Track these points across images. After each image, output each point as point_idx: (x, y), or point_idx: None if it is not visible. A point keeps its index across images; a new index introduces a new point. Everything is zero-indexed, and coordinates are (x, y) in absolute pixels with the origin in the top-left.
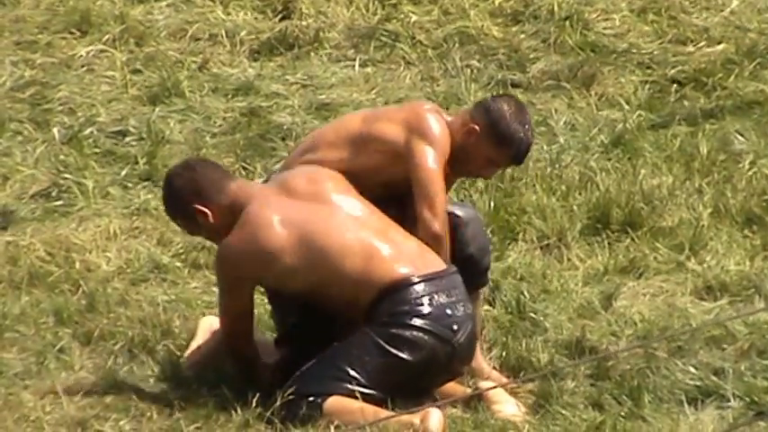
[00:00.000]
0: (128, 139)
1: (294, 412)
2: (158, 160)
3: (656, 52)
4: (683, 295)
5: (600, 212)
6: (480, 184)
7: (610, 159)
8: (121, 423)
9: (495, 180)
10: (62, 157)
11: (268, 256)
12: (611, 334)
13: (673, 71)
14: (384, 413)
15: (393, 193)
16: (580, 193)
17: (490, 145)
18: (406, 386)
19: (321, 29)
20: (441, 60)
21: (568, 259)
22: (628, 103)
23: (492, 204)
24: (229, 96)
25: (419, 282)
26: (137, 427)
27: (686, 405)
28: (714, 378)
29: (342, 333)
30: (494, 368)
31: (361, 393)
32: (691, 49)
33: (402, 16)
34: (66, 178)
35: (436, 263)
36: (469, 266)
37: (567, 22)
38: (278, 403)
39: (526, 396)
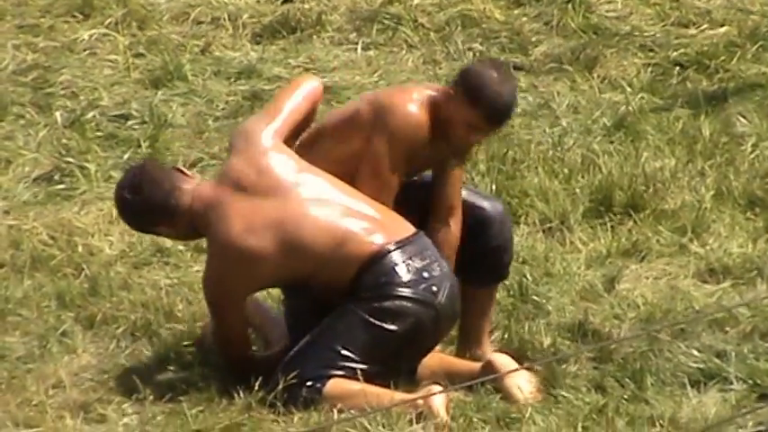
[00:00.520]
0: (130, 122)
1: (294, 397)
2: (161, 144)
3: (658, 35)
4: (686, 278)
5: (602, 195)
6: (482, 166)
7: (612, 142)
8: (124, 406)
9: (497, 163)
10: (64, 140)
11: (250, 272)
12: (613, 317)
13: (675, 54)
14: (386, 393)
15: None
16: (582, 176)
17: (465, 105)
18: (399, 356)
19: (323, 12)
20: (443, 43)
21: (571, 242)
22: (630, 86)
23: (494, 187)
24: (232, 80)
25: (394, 250)
26: (139, 411)
27: (689, 388)
28: (717, 361)
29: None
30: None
31: (360, 371)
32: (693, 31)
33: None
34: (68, 162)
35: (405, 227)
36: (492, 260)
37: (570, 5)
38: (279, 387)
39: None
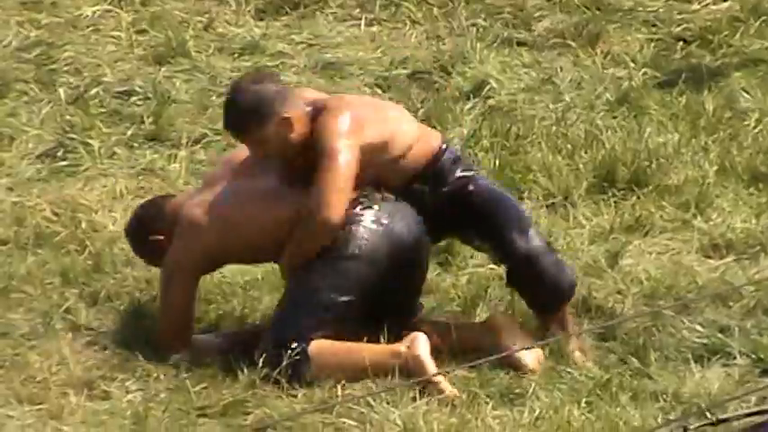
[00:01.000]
0: (134, 98)
1: (278, 362)
2: (164, 120)
3: (661, 10)
4: (689, 253)
5: (606, 171)
6: (485, 142)
7: (615, 117)
8: (128, 383)
9: (501, 138)
10: (68, 117)
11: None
12: (617, 292)
13: (678, 29)
14: (368, 347)
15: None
16: (586, 152)
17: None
18: (369, 283)
19: None
20: (446, 19)
21: (574, 218)
22: (633, 61)
23: (497, 163)
24: (235, 56)
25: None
26: (143, 387)
27: (692, 363)
28: (720, 336)
29: None
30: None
31: (337, 318)
32: (696, 6)
33: None
34: (72, 138)
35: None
36: (547, 291)
37: None
38: (261, 356)
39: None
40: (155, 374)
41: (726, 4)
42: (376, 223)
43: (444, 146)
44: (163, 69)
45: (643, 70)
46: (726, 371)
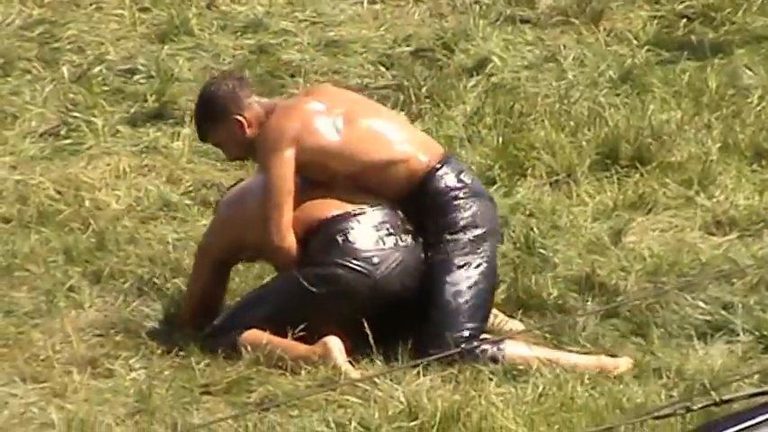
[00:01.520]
0: (137, 77)
1: (214, 344)
2: (167, 98)
3: None
4: (693, 230)
5: (609, 148)
6: (489, 119)
7: (618, 95)
8: (131, 361)
9: (504, 116)
10: (71, 95)
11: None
12: (620, 269)
13: (681, 6)
14: (289, 344)
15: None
16: (589, 129)
17: None
18: (335, 319)
19: None
20: None
21: (577, 195)
22: (636, 39)
23: (501, 140)
24: (238, 34)
25: (338, 221)
26: (146, 365)
27: (695, 340)
28: (723, 313)
29: None
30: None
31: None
32: None
33: None
34: (75, 116)
35: (368, 199)
36: None
37: None
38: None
39: (538, 337)
40: (158, 352)
41: None
42: (363, 275)
43: (439, 165)
44: (166, 47)
45: (646, 47)
46: (729, 347)
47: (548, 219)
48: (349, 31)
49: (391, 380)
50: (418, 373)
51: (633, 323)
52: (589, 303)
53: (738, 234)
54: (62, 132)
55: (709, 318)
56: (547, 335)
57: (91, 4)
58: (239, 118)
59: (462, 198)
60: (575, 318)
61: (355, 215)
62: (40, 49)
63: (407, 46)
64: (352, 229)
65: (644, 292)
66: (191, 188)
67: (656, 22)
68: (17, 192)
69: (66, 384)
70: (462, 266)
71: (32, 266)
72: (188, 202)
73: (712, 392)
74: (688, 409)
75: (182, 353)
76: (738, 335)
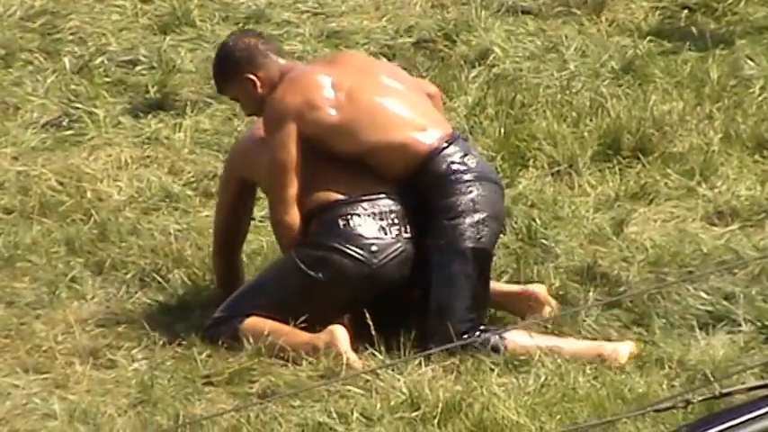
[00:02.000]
0: (138, 68)
1: (215, 334)
2: (169, 89)
3: None
4: (694, 221)
5: (611, 138)
6: (490, 110)
7: (620, 85)
8: (133, 352)
9: (506, 107)
10: (73, 86)
11: None
12: (622, 260)
13: None
14: (292, 332)
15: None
16: (591, 120)
17: None
18: (324, 304)
19: None
20: None
21: (579, 185)
22: (638, 29)
23: (502, 131)
24: (240, 25)
25: (340, 205)
26: (149, 356)
27: (697, 330)
28: (725, 303)
29: None
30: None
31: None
32: None
33: None
34: (77, 108)
35: (376, 185)
36: None
37: None
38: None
39: (540, 328)
40: (160, 343)
41: None
42: (360, 263)
43: (444, 146)
44: (167, 38)
45: (648, 38)
46: (731, 338)
47: (549, 209)
48: (350, 21)
49: (393, 370)
50: (420, 363)
51: (635, 314)
52: (591, 294)
53: (740, 224)
54: (64, 123)
55: (710, 308)
56: (549, 326)
57: None
58: (251, 76)
59: (464, 182)
60: (577, 308)
61: (360, 201)
62: (42, 40)
63: (409, 37)
64: (355, 214)
65: (646, 283)
66: (192, 179)
67: (657, 12)
68: (19, 183)
69: (68, 375)
70: (461, 253)
71: (34, 257)
72: (190, 192)
73: (715, 384)
74: (688, 402)
75: (183, 343)
76: (740, 325)
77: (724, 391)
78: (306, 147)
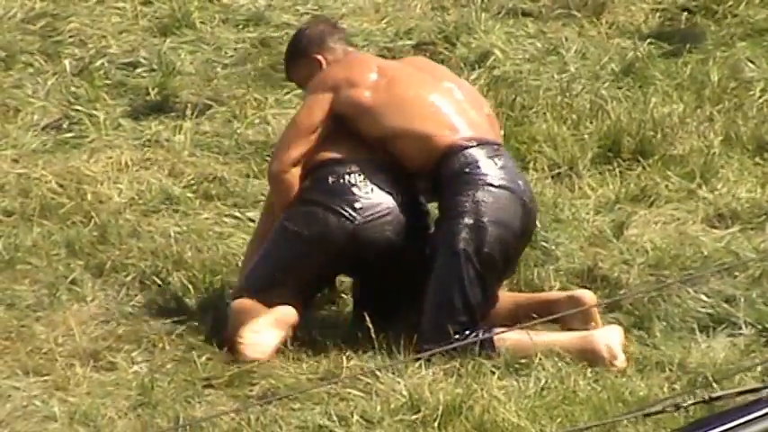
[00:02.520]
0: (139, 70)
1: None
2: (169, 91)
3: None
4: (695, 223)
5: (611, 141)
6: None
7: (621, 88)
8: (133, 354)
9: (506, 109)
10: (73, 88)
11: None
12: (622, 262)
13: None
14: (269, 311)
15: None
16: (591, 122)
17: None
18: (314, 270)
19: None
20: None
21: (579, 188)
22: (638, 32)
23: (503, 133)
24: (240, 27)
25: (335, 164)
26: (149, 359)
27: (698, 333)
28: (726, 306)
29: None
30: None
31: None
32: None
33: None
34: (77, 110)
35: (370, 152)
36: None
37: None
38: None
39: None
40: (160, 345)
41: None
42: (342, 218)
43: (471, 144)
44: (168, 41)
45: (648, 40)
46: (731, 341)
47: (550, 212)
48: (350, 24)
49: (393, 373)
50: (420, 366)
51: (635, 316)
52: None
53: (740, 227)
54: (64, 126)
55: (711, 311)
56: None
57: None
58: (319, 57)
59: (474, 183)
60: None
61: (356, 161)
62: (42, 42)
63: (409, 39)
64: (346, 173)
65: (646, 286)
66: (192, 181)
67: (657, 14)
68: (19, 185)
69: (68, 377)
70: (456, 254)
71: (35, 260)
72: (190, 195)
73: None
74: (678, 407)
75: (183, 346)
76: (740, 328)
77: (714, 395)
78: (334, 126)
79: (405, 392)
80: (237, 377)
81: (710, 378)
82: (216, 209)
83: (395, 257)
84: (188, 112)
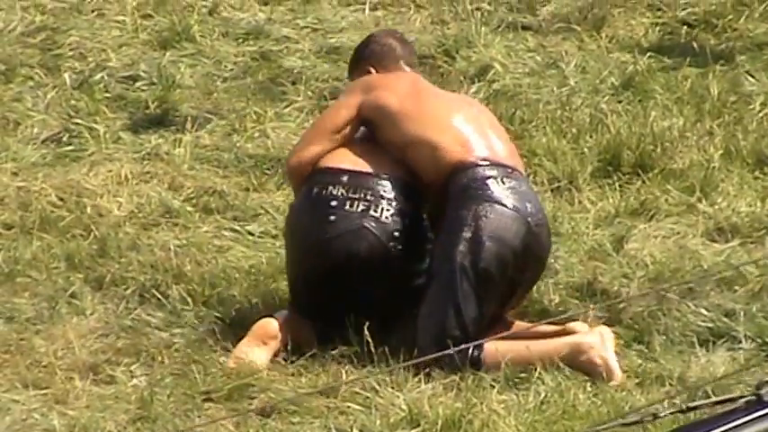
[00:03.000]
0: (138, 83)
1: None
2: (169, 105)
3: None
4: (695, 237)
5: (611, 155)
6: None
7: (620, 102)
8: (133, 368)
9: (505, 122)
10: (73, 102)
11: None
12: (622, 276)
13: (683, 13)
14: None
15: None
16: (591, 136)
17: None
18: (299, 281)
19: None
20: (451, 3)
21: (579, 201)
22: (638, 46)
23: None
24: (240, 41)
25: (326, 171)
26: (148, 372)
27: (698, 347)
28: (725, 320)
29: None
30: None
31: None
32: None
33: None
34: (77, 123)
35: (370, 163)
36: None
37: None
38: None
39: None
40: (159, 359)
41: None
42: (320, 223)
43: (483, 163)
44: (167, 54)
45: (648, 54)
46: (731, 354)
47: (549, 225)
48: (350, 37)
49: (392, 387)
50: (420, 379)
51: (635, 330)
52: (591, 310)
53: (740, 241)
54: (64, 139)
55: (711, 325)
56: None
57: (92, 11)
58: (371, 69)
59: (477, 198)
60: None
61: (345, 172)
62: (42, 55)
63: None
64: (331, 184)
65: (646, 299)
66: (192, 195)
67: (657, 28)
68: (19, 198)
69: (67, 391)
70: (450, 268)
71: (34, 273)
72: (190, 208)
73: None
74: (655, 416)
75: (183, 360)
76: (740, 342)
77: (691, 405)
78: (360, 135)
79: (404, 406)
80: (237, 391)
81: (710, 392)
82: (215, 222)
83: (380, 272)
84: (188, 125)
